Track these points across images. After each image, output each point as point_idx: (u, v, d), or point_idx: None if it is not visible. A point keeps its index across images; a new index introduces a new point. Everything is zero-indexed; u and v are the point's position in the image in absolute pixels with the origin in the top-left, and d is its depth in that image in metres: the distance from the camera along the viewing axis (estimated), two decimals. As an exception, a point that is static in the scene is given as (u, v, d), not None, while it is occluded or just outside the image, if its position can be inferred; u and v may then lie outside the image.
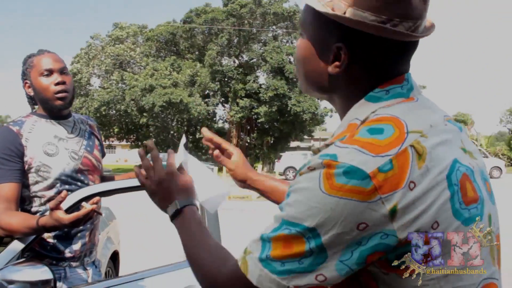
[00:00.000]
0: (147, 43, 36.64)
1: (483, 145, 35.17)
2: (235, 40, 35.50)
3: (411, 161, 0.73)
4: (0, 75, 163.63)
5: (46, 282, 1.56)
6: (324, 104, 33.54)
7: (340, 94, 0.89)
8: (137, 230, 8.01)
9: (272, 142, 36.91)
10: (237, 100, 33.39)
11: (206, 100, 36.07)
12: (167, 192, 1.06)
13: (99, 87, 36.66)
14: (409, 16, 0.80)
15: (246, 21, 34.80)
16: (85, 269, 2.03)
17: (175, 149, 1.22)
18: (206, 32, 35.45)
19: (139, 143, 39.37)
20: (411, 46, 0.85)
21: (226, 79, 35.22)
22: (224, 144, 1.32)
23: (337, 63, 0.84)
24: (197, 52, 36.19)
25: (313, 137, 44.36)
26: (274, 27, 35.55)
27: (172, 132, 36.75)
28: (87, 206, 1.66)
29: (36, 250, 1.89)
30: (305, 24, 0.90)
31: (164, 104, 31.39)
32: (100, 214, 1.83)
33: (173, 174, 1.09)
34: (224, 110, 38.58)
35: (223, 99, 36.60)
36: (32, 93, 1.98)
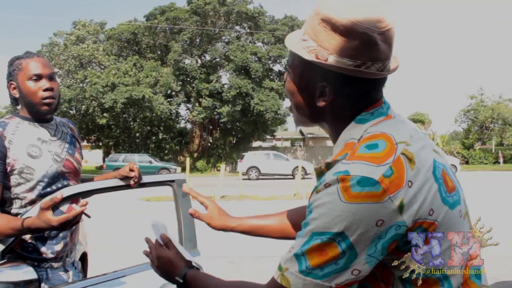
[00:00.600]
0: (108, 41, 35.99)
1: (439, 144, 36.30)
2: (198, 40, 35.32)
3: (405, 165, 0.91)
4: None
5: (29, 282, 1.59)
6: (287, 104, 33.81)
7: (329, 121, 1.07)
8: (104, 231, 7.94)
9: (234, 142, 36.92)
10: (200, 100, 33.24)
11: (169, 99, 35.76)
12: (165, 271, 1.22)
13: (61, 85, 35.73)
14: (378, 59, 0.98)
15: (209, 20, 34.67)
16: (66, 270, 2.04)
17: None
18: (168, 30, 35.11)
19: (100, 144, 38.58)
20: (382, 80, 1.03)
21: (188, 79, 35.00)
22: (199, 197, 1.46)
23: (323, 98, 1.02)
24: (159, 52, 35.80)
25: (275, 137, 44.64)
26: (237, 27, 35.55)
27: (133, 132, 36.23)
28: (76, 208, 1.69)
29: (17, 252, 1.90)
30: (293, 66, 1.08)
31: (125, 101, 30.91)
32: (89, 216, 1.83)
33: (161, 257, 1.23)
34: (186, 110, 38.33)
35: (185, 99, 36.36)
36: (17, 95, 1.98)
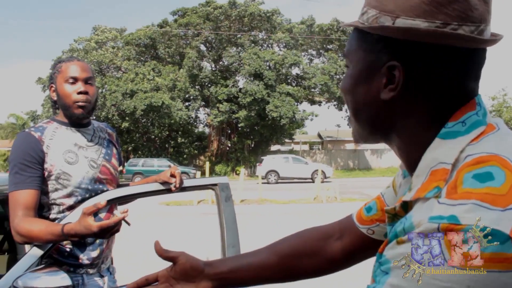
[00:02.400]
0: (126, 47, 36.41)
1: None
2: (213, 44, 35.51)
3: None
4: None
5: None
6: (303, 107, 33.78)
7: (400, 129, 0.75)
8: (123, 236, 7.97)
9: (253, 145, 36.94)
10: (217, 105, 33.37)
11: (187, 104, 35.97)
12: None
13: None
14: (469, 19, 0.67)
15: (223, 25, 34.80)
16: (101, 276, 2.04)
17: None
18: (182, 35, 35.33)
19: (120, 148, 38.99)
20: (479, 56, 0.71)
21: (206, 84, 35.19)
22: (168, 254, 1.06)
23: (391, 86, 0.72)
24: (177, 57, 36.08)
25: (294, 140, 44.55)
26: (252, 32, 35.60)
27: (153, 136, 36.52)
28: (118, 215, 1.67)
29: (53, 257, 1.91)
30: (350, 52, 0.79)
31: (145, 107, 31.22)
32: (129, 224, 1.80)
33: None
34: (205, 114, 38.49)
35: (203, 103, 36.53)
36: (55, 98, 2.00)
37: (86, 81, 1.96)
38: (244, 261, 1.07)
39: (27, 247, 2.66)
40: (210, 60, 36.19)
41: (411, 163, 0.75)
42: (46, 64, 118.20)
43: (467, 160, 0.64)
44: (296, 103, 33.49)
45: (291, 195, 16.61)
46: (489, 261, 0.54)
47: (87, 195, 1.96)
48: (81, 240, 1.85)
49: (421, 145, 0.71)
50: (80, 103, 1.93)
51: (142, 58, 37.57)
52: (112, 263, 2.18)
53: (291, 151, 38.83)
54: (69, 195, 1.94)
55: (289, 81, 35.18)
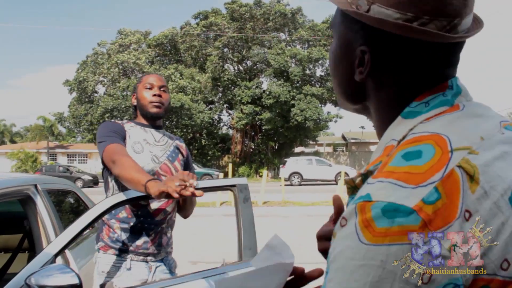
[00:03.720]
0: (149, 50, 36.88)
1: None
2: (237, 45, 35.65)
3: (461, 185, 0.59)
4: (11, 82, 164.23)
5: (73, 286, 1.62)
6: (328, 110, 33.63)
7: (373, 108, 0.78)
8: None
9: (276, 147, 36.95)
10: (241, 107, 33.50)
11: (211, 106, 36.21)
12: None
13: (105, 94, 36.84)
14: (442, 13, 0.67)
15: (248, 25, 34.92)
16: (149, 265, 2.18)
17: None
18: (204, 37, 35.57)
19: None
20: (452, 48, 0.72)
21: (229, 85, 35.36)
22: None
23: (361, 68, 0.74)
24: (201, 59, 36.39)
25: (317, 142, 44.39)
26: (276, 32, 35.63)
27: (176, 138, 36.87)
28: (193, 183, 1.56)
29: (103, 241, 2.16)
30: (335, 24, 0.82)
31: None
32: (197, 195, 1.61)
33: None
34: (228, 116, 38.69)
35: (227, 105, 36.72)
36: (135, 103, 2.35)
37: (160, 87, 2.30)
38: None
39: (45, 245, 2.70)
40: (233, 62, 36.37)
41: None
42: (72, 67, 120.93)
43: (408, 138, 0.67)
44: (320, 105, 33.37)
45: (314, 197, 16.52)
46: (398, 233, 0.56)
47: None
48: (128, 227, 2.12)
49: (387, 123, 0.74)
50: (154, 104, 2.26)
51: (165, 60, 37.98)
52: (168, 256, 2.29)
53: (315, 153, 38.70)
54: None
55: (313, 82, 35.08)
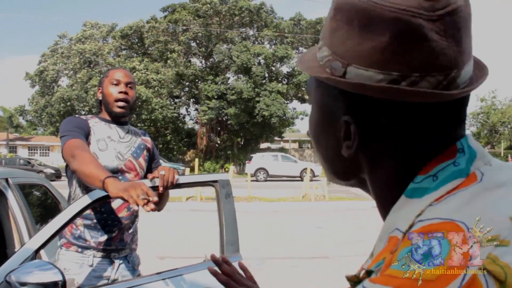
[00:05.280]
0: (114, 41, 36.16)
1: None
2: (203, 40, 35.41)
3: None
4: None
5: (56, 284, 1.58)
6: (293, 106, 33.86)
7: (370, 185, 0.65)
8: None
9: (242, 143, 36.95)
10: (207, 101, 33.33)
11: (176, 100, 35.85)
12: None
13: (66, 86, 35.91)
14: (435, 67, 0.54)
15: (214, 20, 34.72)
16: (112, 262, 2.15)
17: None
18: (170, 31, 35.15)
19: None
20: (456, 104, 0.59)
21: (195, 80, 35.11)
22: None
23: (348, 142, 0.62)
24: (168, 53, 35.94)
25: (283, 139, 44.67)
26: (242, 29, 35.57)
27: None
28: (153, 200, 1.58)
29: (66, 237, 2.12)
30: (310, 91, 0.69)
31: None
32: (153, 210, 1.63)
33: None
34: (195, 111, 38.43)
35: (194, 99, 36.44)
36: (100, 98, 2.30)
37: (127, 84, 2.26)
38: None
39: (16, 241, 2.64)
40: (200, 57, 36.10)
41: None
42: (34, 59, 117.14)
43: (415, 227, 0.53)
44: (286, 102, 33.51)
45: (280, 193, 16.65)
46: None
47: None
48: (91, 223, 2.10)
49: (390, 203, 0.60)
50: (119, 103, 2.22)
51: (131, 53, 37.32)
52: (132, 253, 2.27)
53: (281, 149, 38.90)
54: None
55: (280, 79, 35.20)
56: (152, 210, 1.57)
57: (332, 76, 0.59)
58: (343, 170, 0.66)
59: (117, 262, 2.17)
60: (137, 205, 1.54)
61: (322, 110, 0.66)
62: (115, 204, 2.14)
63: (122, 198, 1.58)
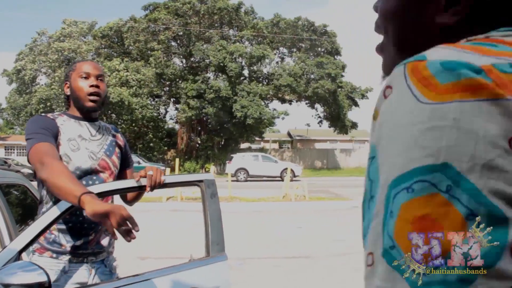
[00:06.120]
0: (94, 41, 35.73)
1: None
2: (183, 40, 35.26)
3: None
4: None
5: (41, 285, 1.56)
6: (273, 106, 33.87)
7: None
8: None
9: (222, 143, 36.87)
10: (187, 100, 33.18)
11: (157, 99, 35.59)
12: None
13: (45, 84, 35.32)
14: None
15: (193, 20, 34.60)
16: (88, 267, 2.07)
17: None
18: (152, 31, 34.91)
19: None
20: None
21: (175, 79, 34.92)
22: None
23: (453, 8, 0.55)
24: (149, 52, 35.65)
25: (264, 139, 44.74)
26: (221, 29, 35.51)
27: (123, 133, 36.00)
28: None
29: (39, 242, 2.00)
30: None
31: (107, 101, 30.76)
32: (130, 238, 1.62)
33: None
34: (175, 110, 38.20)
35: (174, 99, 36.22)
36: (68, 93, 2.17)
37: (98, 77, 2.14)
38: None
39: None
40: (181, 57, 35.91)
41: None
42: (11, 56, 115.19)
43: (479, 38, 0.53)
44: (266, 102, 33.52)
45: (260, 193, 16.66)
46: (470, 87, 0.44)
47: (83, 182, 2.01)
48: (66, 227, 2.01)
49: None
50: (91, 97, 2.11)
51: (111, 52, 36.93)
52: (109, 256, 2.19)
53: (261, 150, 38.93)
54: None
55: (260, 79, 35.22)
56: (133, 238, 1.57)
57: None
58: (427, 46, 0.52)
59: (94, 266, 2.09)
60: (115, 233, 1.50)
61: None
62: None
63: (100, 223, 1.53)
